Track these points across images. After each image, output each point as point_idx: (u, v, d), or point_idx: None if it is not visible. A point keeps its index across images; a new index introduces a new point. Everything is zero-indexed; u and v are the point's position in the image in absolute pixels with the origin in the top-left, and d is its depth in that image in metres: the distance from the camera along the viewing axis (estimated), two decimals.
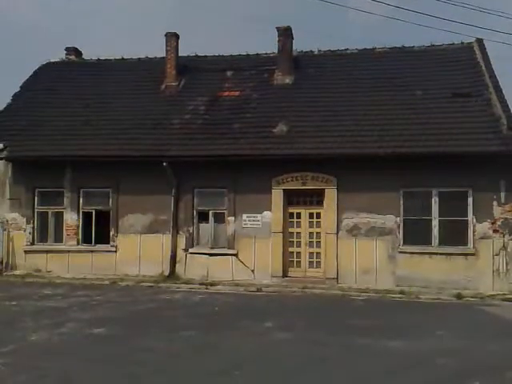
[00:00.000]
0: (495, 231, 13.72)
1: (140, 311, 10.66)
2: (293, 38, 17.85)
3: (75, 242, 16.03)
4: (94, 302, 11.43)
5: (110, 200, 15.89)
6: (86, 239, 16.08)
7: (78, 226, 16.07)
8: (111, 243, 15.78)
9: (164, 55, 18.39)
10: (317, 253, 14.93)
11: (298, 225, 15.08)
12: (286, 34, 17.59)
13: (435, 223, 14.07)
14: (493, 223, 13.74)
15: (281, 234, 14.83)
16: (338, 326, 9.42)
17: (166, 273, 15.12)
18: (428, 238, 14.10)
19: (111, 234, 15.81)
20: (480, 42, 17.14)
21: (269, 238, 14.85)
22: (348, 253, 14.37)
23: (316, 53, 18.55)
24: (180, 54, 18.41)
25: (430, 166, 13.80)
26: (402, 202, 14.27)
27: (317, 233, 14.95)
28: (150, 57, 19.50)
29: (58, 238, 16.24)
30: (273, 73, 17.55)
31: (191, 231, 15.42)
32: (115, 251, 15.68)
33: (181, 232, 15.39)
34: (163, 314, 10.52)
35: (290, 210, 15.09)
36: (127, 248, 15.53)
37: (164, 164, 14.90)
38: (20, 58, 50.59)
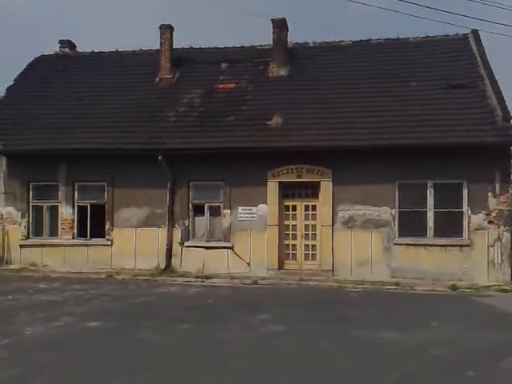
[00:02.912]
0: (490, 222, 13.75)
1: (136, 304, 10.64)
2: (288, 30, 17.82)
3: (70, 236, 15.99)
4: (90, 296, 11.38)
5: (106, 193, 15.84)
6: (82, 233, 16.05)
7: (73, 220, 16.02)
8: (107, 237, 15.75)
9: (158, 47, 18.30)
10: (312, 245, 14.96)
11: (294, 217, 15.09)
12: (280, 25, 17.55)
13: (430, 215, 14.11)
14: (488, 214, 13.78)
15: (276, 227, 14.85)
16: (333, 318, 9.42)
17: (162, 266, 15.12)
18: (423, 229, 14.13)
19: (107, 227, 15.77)
20: (475, 33, 17.10)
21: (264, 231, 14.87)
22: (343, 245, 14.42)
23: (311, 45, 18.50)
24: (174, 47, 18.33)
25: (425, 157, 13.79)
26: (397, 193, 14.30)
27: (312, 225, 14.97)
28: (144, 49, 19.38)
29: (54, 232, 16.19)
30: (268, 65, 17.53)
31: (187, 224, 15.42)
32: (111, 245, 15.65)
33: (176, 225, 15.39)
34: (159, 307, 10.51)
35: (286, 203, 15.10)
36: (123, 242, 15.51)
37: (159, 157, 14.86)
38: (13, 50, 50.26)
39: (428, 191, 14.15)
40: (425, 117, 14.37)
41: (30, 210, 16.27)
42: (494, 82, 14.92)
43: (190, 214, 15.48)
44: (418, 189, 14.21)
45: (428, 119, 14.27)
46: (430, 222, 14.10)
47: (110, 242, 15.69)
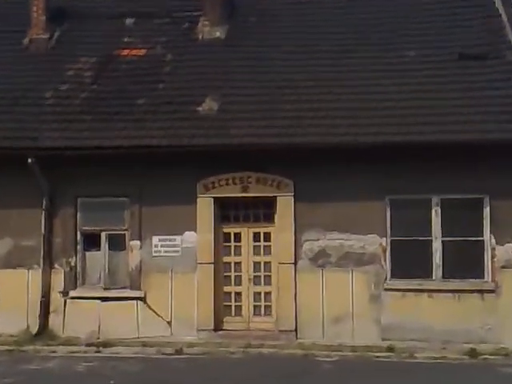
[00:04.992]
0: None
1: None
2: None
3: None
4: None
5: None
6: None
7: None
8: None
9: None
10: (266, 293, 14.92)
11: (238, 251, 15.05)
12: None
13: (437, 246, 14.23)
14: None
15: (211, 266, 14.74)
16: None
17: (34, 329, 14.83)
18: (427, 267, 14.26)
19: None
20: None
21: (193, 273, 14.77)
22: (312, 292, 14.37)
23: None
24: None
25: (429, 162, 13.96)
26: (388, 214, 14.43)
27: (265, 263, 14.96)
28: None
29: None
30: (196, 22, 17.67)
31: (73, 264, 15.17)
32: None
33: (57, 265, 15.17)
34: None
35: (226, 229, 15.08)
36: None
37: (29, 160, 14.53)
38: None
39: (433, 211, 14.28)
40: (426, 102, 14.59)
41: None
42: None
43: (79, 247, 15.27)
44: (418, 208, 14.33)
45: (431, 106, 14.48)
46: (437, 257, 14.22)
47: None
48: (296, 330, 14.37)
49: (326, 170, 14.31)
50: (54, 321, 14.97)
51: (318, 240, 14.51)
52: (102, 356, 13.17)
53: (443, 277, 14.21)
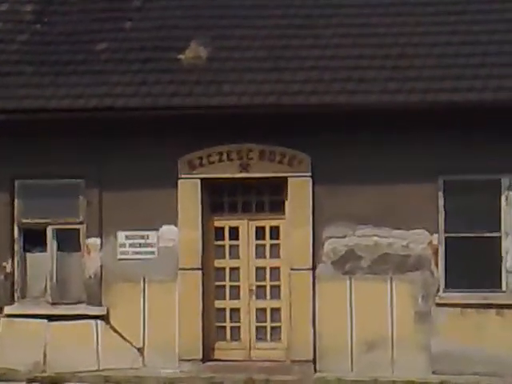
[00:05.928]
0: None
1: None
2: None
3: None
4: None
5: None
6: None
7: None
8: None
9: None
10: (273, 310, 14.69)
11: (234, 252, 14.84)
12: None
13: (508, 245, 13.89)
14: None
15: (198, 273, 14.48)
16: None
17: None
18: (494, 274, 13.95)
19: None
20: None
21: (174, 282, 14.52)
22: (336, 309, 14.10)
23: None
24: None
25: (497, 130, 13.54)
26: (442, 202, 14.06)
27: (273, 269, 14.73)
28: None
29: None
30: None
31: (9, 270, 15.05)
32: None
33: None
34: None
35: (218, 223, 14.92)
36: None
37: None
38: None
39: (503, 197, 13.97)
40: (491, 48, 14.42)
41: None
42: None
43: (17, 247, 15.15)
44: (483, 193, 14.03)
45: (496, 53, 14.27)
46: (509, 260, 13.85)
47: None
48: (314, 360, 14.08)
49: (356, 142, 13.95)
50: None
51: (345, 237, 14.18)
52: None
53: None
